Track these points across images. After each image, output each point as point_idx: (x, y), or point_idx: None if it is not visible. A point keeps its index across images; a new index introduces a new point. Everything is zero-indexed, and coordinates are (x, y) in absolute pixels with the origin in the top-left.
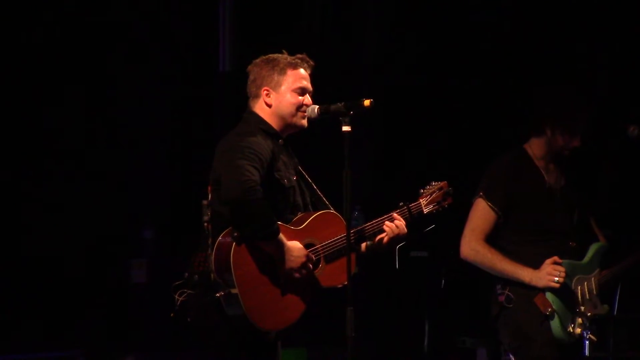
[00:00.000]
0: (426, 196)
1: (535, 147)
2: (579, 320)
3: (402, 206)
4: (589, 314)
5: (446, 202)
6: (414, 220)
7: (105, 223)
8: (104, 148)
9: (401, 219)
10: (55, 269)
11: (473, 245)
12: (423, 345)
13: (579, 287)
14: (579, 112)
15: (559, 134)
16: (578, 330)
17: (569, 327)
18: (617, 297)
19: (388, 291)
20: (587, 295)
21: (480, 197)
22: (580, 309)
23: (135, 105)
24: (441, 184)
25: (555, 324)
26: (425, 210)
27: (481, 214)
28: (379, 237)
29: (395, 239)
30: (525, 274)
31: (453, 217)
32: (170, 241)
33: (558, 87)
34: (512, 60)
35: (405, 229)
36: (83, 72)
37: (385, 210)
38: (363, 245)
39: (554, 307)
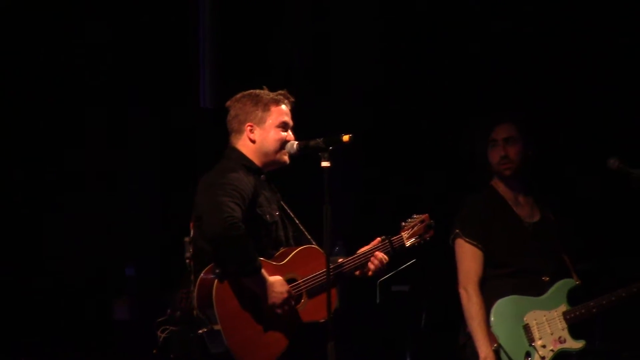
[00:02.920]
0: (408, 229)
1: (498, 184)
2: (538, 354)
3: (383, 240)
4: (551, 348)
5: (428, 235)
6: (396, 253)
7: (88, 260)
8: (85, 185)
9: (383, 255)
10: (37, 306)
11: (468, 291)
12: None
13: (535, 322)
14: (478, 125)
15: (487, 154)
16: None
17: None
18: (598, 328)
19: (369, 325)
20: (547, 329)
21: (458, 235)
22: (535, 344)
23: (116, 142)
24: (423, 216)
25: (503, 358)
26: (407, 244)
27: (466, 254)
28: (357, 272)
29: (378, 272)
30: (482, 350)
31: (434, 251)
32: (152, 278)
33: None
34: (498, 90)
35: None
36: (61, 109)
37: (367, 244)
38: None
39: (499, 342)
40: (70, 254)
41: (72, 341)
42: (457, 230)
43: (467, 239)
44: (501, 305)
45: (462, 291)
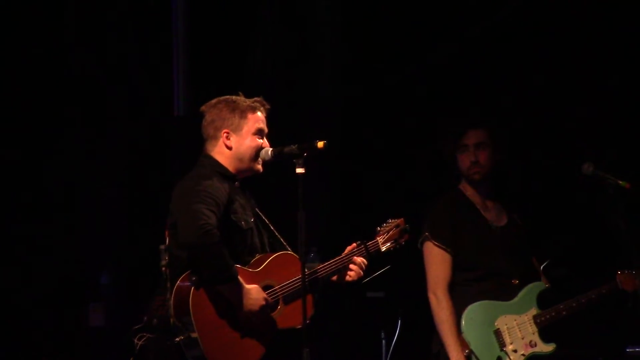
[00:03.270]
0: (383, 234)
1: (466, 188)
2: (510, 358)
3: (359, 245)
4: (522, 352)
5: (403, 240)
6: (372, 258)
7: (63, 267)
8: (60, 191)
9: (362, 259)
10: (12, 314)
11: (437, 296)
12: None
13: (506, 326)
14: (448, 129)
15: (457, 159)
16: None
17: None
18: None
19: (345, 332)
20: (518, 333)
21: (427, 239)
22: (507, 349)
23: (91, 150)
24: (398, 221)
25: None
26: (383, 248)
27: (435, 259)
28: (334, 278)
29: (358, 276)
30: (453, 356)
31: (409, 256)
32: (127, 285)
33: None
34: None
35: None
36: (39, 114)
37: (342, 250)
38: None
39: (471, 348)
40: (46, 260)
41: (47, 348)
42: (427, 234)
43: (436, 243)
44: (472, 311)
45: (431, 296)
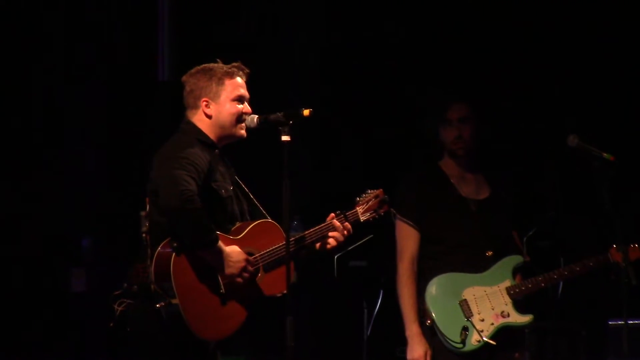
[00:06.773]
0: (362, 204)
1: (447, 162)
2: (476, 328)
3: (338, 214)
4: (492, 322)
5: (382, 210)
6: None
7: (44, 232)
8: (42, 156)
9: (340, 226)
10: None
11: (400, 269)
12: (362, 354)
13: (473, 297)
14: (432, 103)
15: (440, 133)
16: (475, 338)
17: (460, 336)
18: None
19: (327, 301)
20: (488, 304)
21: (395, 214)
22: (473, 318)
23: (74, 115)
24: (377, 191)
25: (439, 334)
26: (362, 218)
27: (401, 234)
28: (317, 245)
29: (342, 243)
30: (408, 327)
31: (391, 226)
32: (108, 249)
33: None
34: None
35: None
36: (22, 79)
37: (323, 219)
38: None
39: (434, 318)
40: (27, 223)
41: (28, 312)
42: (394, 210)
43: (402, 218)
44: (437, 282)
45: (397, 270)
